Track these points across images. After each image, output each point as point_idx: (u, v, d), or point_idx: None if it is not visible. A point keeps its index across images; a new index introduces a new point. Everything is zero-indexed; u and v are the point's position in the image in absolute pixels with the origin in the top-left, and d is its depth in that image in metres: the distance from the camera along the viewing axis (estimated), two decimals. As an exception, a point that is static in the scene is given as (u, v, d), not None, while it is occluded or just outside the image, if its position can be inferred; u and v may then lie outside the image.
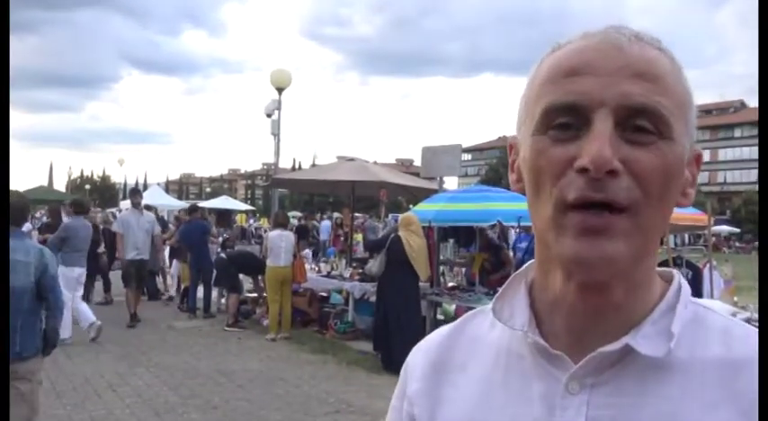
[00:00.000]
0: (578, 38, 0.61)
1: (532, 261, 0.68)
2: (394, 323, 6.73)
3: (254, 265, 9.29)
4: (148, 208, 10.51)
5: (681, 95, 0.59)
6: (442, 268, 9.25)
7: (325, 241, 20.40)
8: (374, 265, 7.52)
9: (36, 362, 3.49)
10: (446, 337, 0.75)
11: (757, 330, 0.63)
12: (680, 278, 0.65)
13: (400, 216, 8.73)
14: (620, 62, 0.57)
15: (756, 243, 42.02)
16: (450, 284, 8.73)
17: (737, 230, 46.70)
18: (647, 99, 0.56)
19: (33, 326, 3.47)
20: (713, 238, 9.57)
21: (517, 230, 10.01)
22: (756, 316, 4.70)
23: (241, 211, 28.78)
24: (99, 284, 10.73)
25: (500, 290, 0.69)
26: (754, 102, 71.40)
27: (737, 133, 71.07)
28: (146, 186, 77.38)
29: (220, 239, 12.66)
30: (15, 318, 3.27)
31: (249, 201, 69.30)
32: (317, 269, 10.37)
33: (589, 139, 0.55)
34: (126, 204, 23.99)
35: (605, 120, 0.56)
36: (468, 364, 0.70)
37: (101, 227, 10.72)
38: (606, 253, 0.55)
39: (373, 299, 7.77)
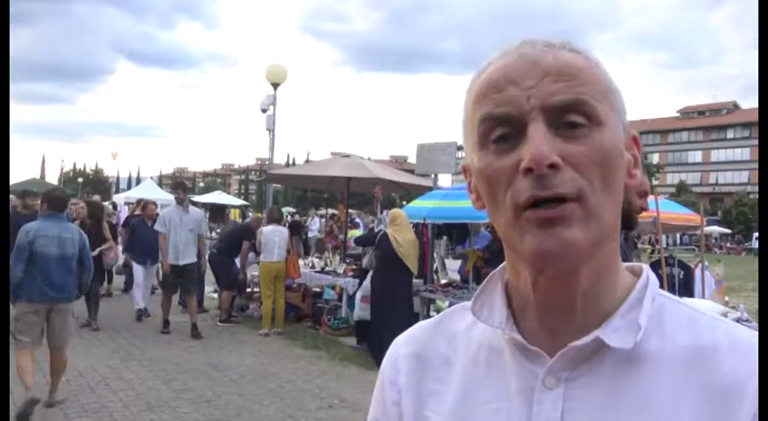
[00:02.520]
0: (497, 58, 0.65)
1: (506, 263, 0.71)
2: (386, 319, 6.75)
3: (238, 236, 9.35)
4: (193, 203, 9.43)
5: (601, 83, 0.63)
6: (435, 264, 9.25)
7: (315, 238, 20.36)
8: (365, 260, 7.58)
9: (74, 302, 5.36)
10: (428, 332, 0.77)
11: (722, 319, 0.66)
12: (648, 271, 0.68)
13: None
14: (539, 72, 0.61)
15: (747, 244, 42.30)
16: (443, 281, 8.75)
17: (728, 231, 46.92)
18: (569, 93, 0.60)
19: (75, 280, 5.10)
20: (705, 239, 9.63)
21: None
22: (746, 316, 4.75)
23: (235, 207, 28.74)
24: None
25: (478, 289, 0.72)
26: (746, 103, 71.83)
27: (730, 134, 71.34)
28: (139, 180, 77.02)
29: (213, 234, 12.67)
30: (68, 275, 5.01)
31: (243, 197, 69.17)
32: (310, 265, 10.38)
33: (526, 143, 0.59)
34: (120, 198, 23.89)
35: (537, 123, 0.60)
36: (452, 359, 0.72)
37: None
38: (565, 240, 0.58)
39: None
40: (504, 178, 0.61)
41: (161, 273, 8.98)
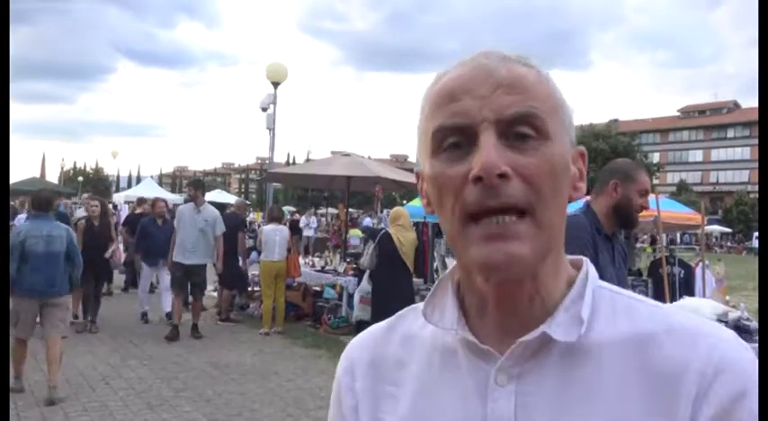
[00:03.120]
0: (454, 67, 0.67)
1: (457, 264, 0.72)
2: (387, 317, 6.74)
3: (229, 228, 8.64)
4: (207, 202, 8.56)
5: (552, 99, 0.65)
6: (436, 263, 9.26)
7: (311, 238, 20.36)
8: (366, 259, 7.56)
9: (68, 297, 5.73)
10: (381, 335, 0.78)
11: (659, 305, 0.68)
12: (587, 265, 0.70)
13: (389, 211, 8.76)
14: (492, 83, 0.63)
15: (747, 243, 42.28)
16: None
17: (729, 230, 46.91)
18: (519, 107, 0.62)
19: (65, 276, 5.39)
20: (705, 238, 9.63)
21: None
22: (747, 315, 4.74)
23: (246, 208, 28.70)
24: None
25: (429, 293, 0.74)
26: (747, 102, 71.73)
27: (730, 134, 71.31)
28: (139, 179, 76.96)
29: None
30: (57, 271, 5.29)
31: (243, 196, 69.13)
32: (310, 263, 10.38)
33: (478, 152, 0.61)
34: (120, 197, 23.87)
35: (488, 134, 0.61)
36: (405, 362, 0.73)
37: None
38: (512, 254, 0.60)
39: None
40: (453, 187, 0.62)
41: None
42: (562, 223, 0.65)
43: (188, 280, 7.98)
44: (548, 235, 0.63)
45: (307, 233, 20.41)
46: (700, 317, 0.66)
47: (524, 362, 0.64)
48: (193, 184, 8.60)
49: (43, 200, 5.58)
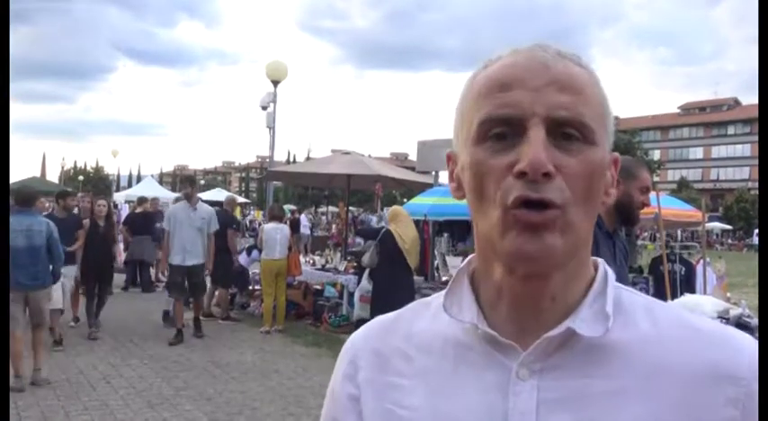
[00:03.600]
0: (508, 54, 0.67)
1: (473, 255, 0.72)
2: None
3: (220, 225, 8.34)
4: (205, 199, 8.60)
5: (600, 106, 0.66)
6: (436, 261, 9.26)
7: (306, 236, 20.36)
8: (366, 257, 7.56)
9: (51, 288, 5.88)
10: (386, 327, 0.77)
11: (670, 305, 0.70)
12: (604, 265, 0.71)
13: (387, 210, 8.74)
14: (547, 78, 0.63)
15: (748, 240, 42.29)
16: (444, 278, 8.75)
17: (729, 227, 46.90)
18: (572, 110, 0.62)
19: (47, 268, 5.61)
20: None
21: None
22: (748, 312, 4.74)
23: (235, 204, 28.67)
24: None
25: (447, 286, 0.73)
26: (747, 99, 71.63)
27: (731, 130, 71.26)
28: (139, 178, 76.96)
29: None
30: (38, 265, 5.51)
31: (243, 194, 69.18)
32: (311, 262, 10.38)
33: (526, 147, 0.61)
34: (120, 196, 23.87)
35: (538, 130, 0.61)
36: (412, 355, 0.72)
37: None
38: (545, 245, 0.61)
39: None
40: (496, 176, 0.62)
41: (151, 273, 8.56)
42: (591, 227, 0.66)
43: (187, 281, 7.71)
44: (578, 234, 0.63)
45: (303, 231, 20.43)
46: (714, 321, 0.69)
47: (547, 358, 0.64)
48: (189, 181, 8.30)
49: (26, 195, 5.84)
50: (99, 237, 7.69)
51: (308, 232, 21.16)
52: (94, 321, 7.70)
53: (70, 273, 7.30)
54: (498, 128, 0.63)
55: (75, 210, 8.15)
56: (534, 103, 0.62)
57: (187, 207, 7.67)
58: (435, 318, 0.72)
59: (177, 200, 9.05)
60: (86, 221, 7.78)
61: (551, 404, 0.63)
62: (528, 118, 0.61)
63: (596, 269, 0.70)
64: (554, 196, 0.61)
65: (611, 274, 0.69)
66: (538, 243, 0.61)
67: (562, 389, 0.63)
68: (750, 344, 0.64)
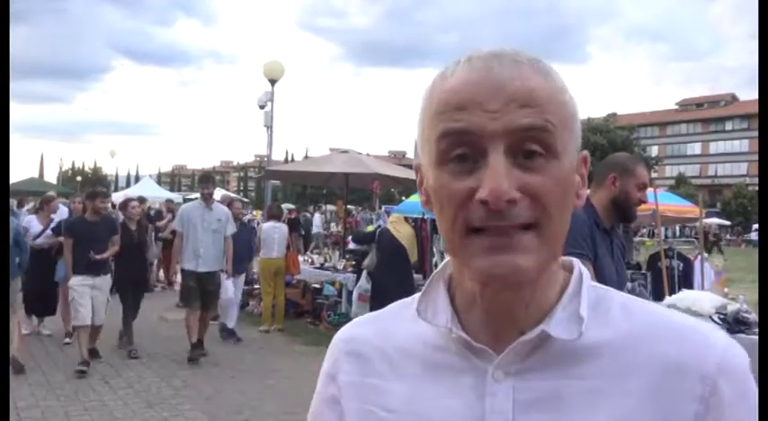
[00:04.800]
0: (462, 66, 0.64)
1: (448, 260, 0.72)
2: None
3: None
4: (204, 196, 7.01)
5: (564, 109, 0.64)
6: (435, 259, 9.26)
7: (318, 234, 20.38)
8: (367, 260, 7.59)
9: (18, 279, 6.02)
10: (368, 328, 0.77)
11: (650, 303, 0.69)
12: (579, 266, 0.70)
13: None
14: (504, 98, 0.61)
15: (746, 236, 42.35)
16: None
17: (728, 223, 46.95)
18: (530, 121, 0.60)
19: (14, 261, 5.65)
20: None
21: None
22: (746, 307, 4.74)
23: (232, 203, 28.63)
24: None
25: (422, 289, 0.73)
26: (745, 95, 71.70)
27: (729, 126, 71.29)
28: (137, 178, 76.89)
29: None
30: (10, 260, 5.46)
31: (242, 194, 69.10)
32: (309, 261, 10.38)
33: (486, 173, 0.60)
34: (118, 196, 23.86)
35: (498, 152, 0.60)
36: (392, 356, 0.73)
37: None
38: (516, 265, 0.60)
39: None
40: (457, 201, 0.62)
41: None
42: (562, 237, 0.65)
43: (200, 289, 6.79)
44: (551, 247, 0.63)
45: (315, 231, 20.49)
46: (693, 317, 0.68)
47: (522, 360, 0.65)
48: (210, 179, 7.32)
49: None
50: (132, 242, 6.83)
51: (321, 231, 21.18)
52: (131, 337, 6.87)
53: (104, 284, 6.39)
54: (458, 148, 0.61)
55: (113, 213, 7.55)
56: (491, 122, 0.60)
57: (202, 207, 6.87)
58: (415, 320, 0.71)
59: (186, 200, 8.79)
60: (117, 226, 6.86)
61: (527, 405, 0.63)
62: (486, 139, 0.60)
63: (571, 271, 0.70)
64: (522, 217, 0.60)
65: (587, 275, 0.69)
66: (507, 264, 0.60)
67: (538, 391, 0.64)
68: (720, 340, 0.64)
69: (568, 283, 0.68)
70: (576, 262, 0.71)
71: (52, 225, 7.49)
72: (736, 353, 0.64)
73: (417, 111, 0.68)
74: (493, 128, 0.60)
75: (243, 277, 8.50)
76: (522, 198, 0.60)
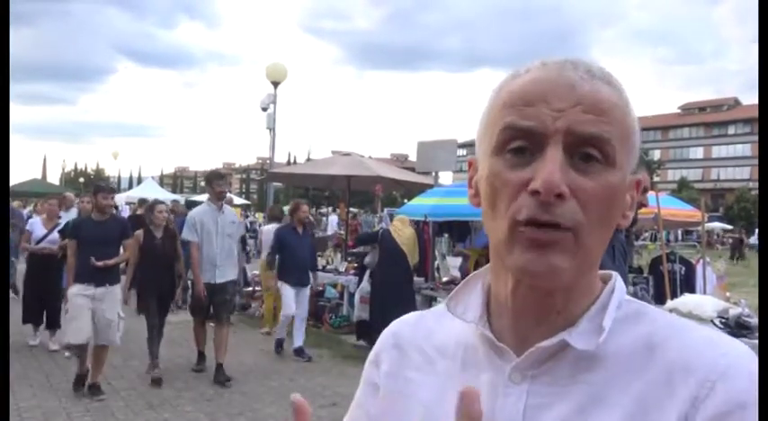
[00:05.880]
0: (536, 67, 0.66)
1: (489, 266, 0.73)
2: (386, 316, 6.75)
3: None
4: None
5: (625, 127, 0.65)
6: (437, 262, 9.26)
7: (334, 235, 20.32)
8: (368, 257, 7.63)
9: None
10: (411, 323, 0.81)
11: (685, 320, 0.68)
12: (616, 279, 0.70)
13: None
14: (573, 99, 0.62)
15: (749, 240, 42.24)
16: (445, 279, 8.75)
17: (730, 227, 46.85)
18: (594, 128, 0.61)
19: None
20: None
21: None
22: (748, 311, 4.73)
23: (236, 206, 28.67)
24: None
25: (456, 287, 0.76)
26: (747, 99, 71.57)
27: (731, 130, 71.22)
28: (140, 180, 77.00)
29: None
30: None
31: (244, 196, 69.19)
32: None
33: (541, 165, 0.61)
34: (121, 198, 23.82)
35: (556, 148, 0.61)
36: (429, 353, 0.76)
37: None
38: (552, 265, 0.61)
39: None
40: (510, 191, 0.63)
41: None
42: (602, 250, 0.66)
43: (212, 300, 6.13)
44: (587, 256, 0.63)
45: (330, 232, 20.43)
46: (718, 332, 0.67)
47: (540, 365, 0.66)
48: (220, 178, 6.48)
49: None
50: (157, 252, 5.94)
51: (339, 231, 21.11)
52: (156, 359, 5.96)
53: (109, 297, 5.47)
54: (518, 140, 0.63)
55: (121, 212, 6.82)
56: (556, 120, 0.61)
57: (213, 210, 6.09)
58: (454, 321, 0.74)
59: (190, 203, 7.97)
60: (139, 232, 6.05)
61: (538, 409, 0.65)
62: (548, 134, 0.61)
63: (606, 282, 0.70)
64: (565, 218, 0.60)
65: (621, 288, 0.69)
66: (544, 262, 0.61)
67: (549, 396, 0.65)
68: (735, 350, 0.62)
69: (600, 295, 0.68)
70: (615, 275, 0.71)
71: (59, 227, 6.98)
72: (748, 364, 0.61)
73: (482, 108, 0.70)
74: (556, 125, 0.61)
75: (307, 290, 7.40)
76: (571, 198, 0.60)
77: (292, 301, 6.93)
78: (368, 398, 0.81)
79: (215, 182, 6.24)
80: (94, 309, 5.33)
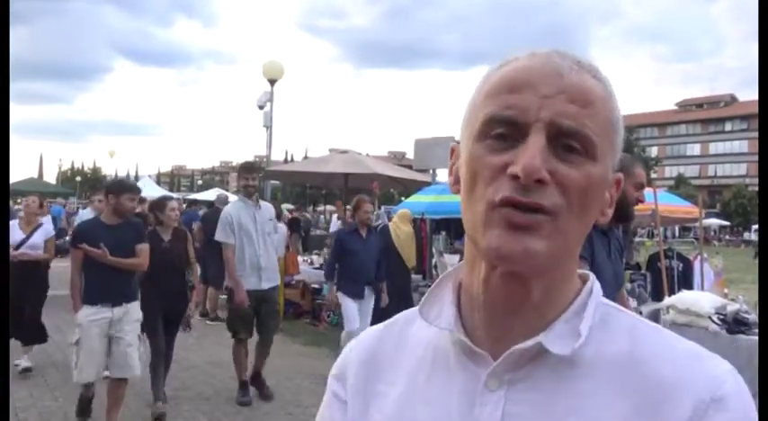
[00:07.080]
0: (525, 56, 0.65)
1: (461, 263, 0.71)
2: (383, 314, 6.75)
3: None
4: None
5: (609, 122, 0.64)
6: (434, 259, 9.26)
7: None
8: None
9: None
10: (377, 336, 0.78)
11: (661, 329, 0.67)
12: (593, 280, 0.69)
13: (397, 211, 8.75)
14: (559, 86, 0.61)
15: (745, 235, 42.36)
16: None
17: (727, 223, 46.98)
18: (577, 122, 0.61)
19: None
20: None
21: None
22: (746, 307, 4.74)
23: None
24: None
25: (428, 291, 0.73)
26: (744, 96, 71.75)
27: (728, 127, 71.39)
28: (137, 178, 76.90)
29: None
30: None
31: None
32: (309, 261, 10.38)
33: (523, 150, 0.60)
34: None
35: (539, 136, 0.60)
36: (399, 361, 0.73)
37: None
38: (528, 248, 0.59)
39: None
40: (489, 174, 0.62)
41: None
42: (580, 240, 0.65)
43: (256, 311, 5.34)
44: (567, 242, 0.62)
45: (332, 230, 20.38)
46: (700, 346, 0.65)
47: (517, 370, 0.64)
48: (253, 168, 5.64)
49: None
50: (165, 258, 4.86)
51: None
52: (162, 390, 5.02)
53: (128, 318, 4.37)
54: (501, 128, 0.62)
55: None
56: (540, 108, 0.60)
57: (249, 205, 5.32)
58: (424, 324, 0.72)
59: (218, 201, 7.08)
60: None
61: (516, 416, 0.63)
62: (531, 122, 0.60)
63: (584, 283, 0.69)
64: (544, 202, 0.59)
65: (598, 290, 0.68)
66: (519, 244, 0.59)
67: (528, 403, 0.63)
68: (722, 371, 0.61)
69: (577, 296, 0.67)
70: (592, 276, 0.70)
71: (38, 232, 6.05)
72: (739, 389, 0.60)
73: (469, 96, 0.69)
74: (540, 115, 0.60)
75: (371, 302, 6.07)
76: (552, 184, 0.60)
77: (355, 316, 5.81)
78: (333, 412, 0.77)
79: (242, 175, 5.43)
80: (111, 336, 4.28)
